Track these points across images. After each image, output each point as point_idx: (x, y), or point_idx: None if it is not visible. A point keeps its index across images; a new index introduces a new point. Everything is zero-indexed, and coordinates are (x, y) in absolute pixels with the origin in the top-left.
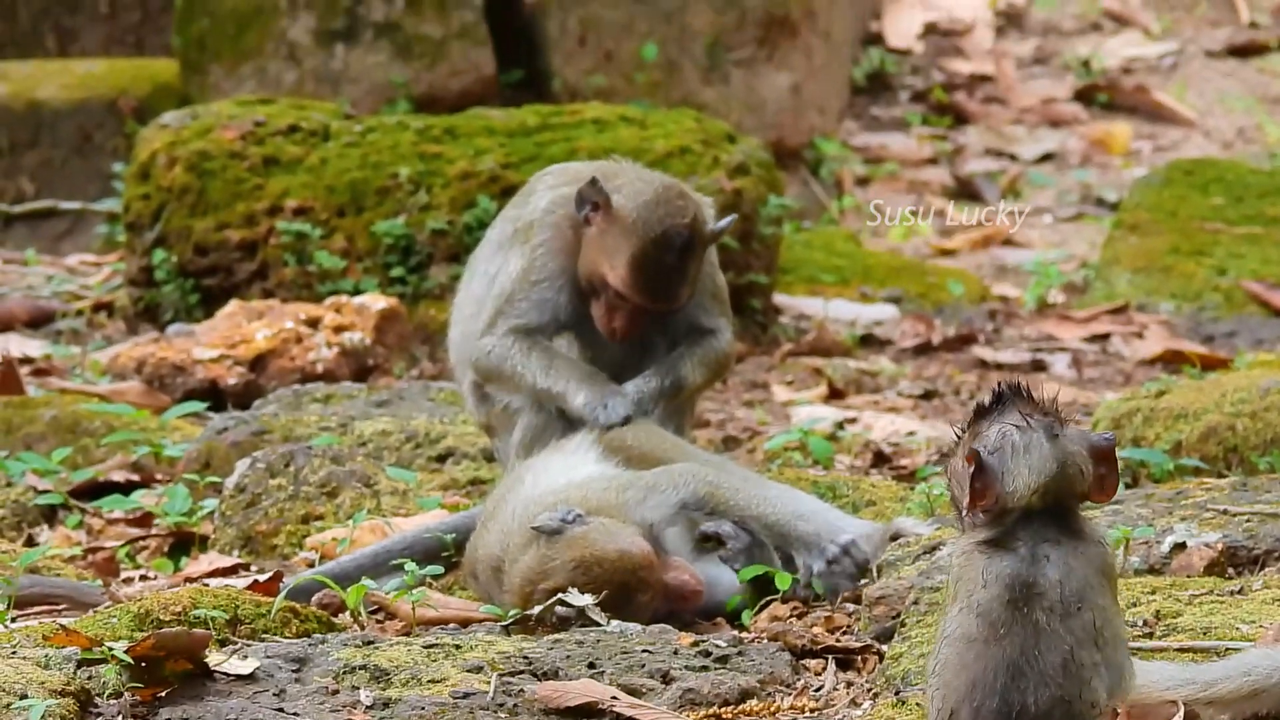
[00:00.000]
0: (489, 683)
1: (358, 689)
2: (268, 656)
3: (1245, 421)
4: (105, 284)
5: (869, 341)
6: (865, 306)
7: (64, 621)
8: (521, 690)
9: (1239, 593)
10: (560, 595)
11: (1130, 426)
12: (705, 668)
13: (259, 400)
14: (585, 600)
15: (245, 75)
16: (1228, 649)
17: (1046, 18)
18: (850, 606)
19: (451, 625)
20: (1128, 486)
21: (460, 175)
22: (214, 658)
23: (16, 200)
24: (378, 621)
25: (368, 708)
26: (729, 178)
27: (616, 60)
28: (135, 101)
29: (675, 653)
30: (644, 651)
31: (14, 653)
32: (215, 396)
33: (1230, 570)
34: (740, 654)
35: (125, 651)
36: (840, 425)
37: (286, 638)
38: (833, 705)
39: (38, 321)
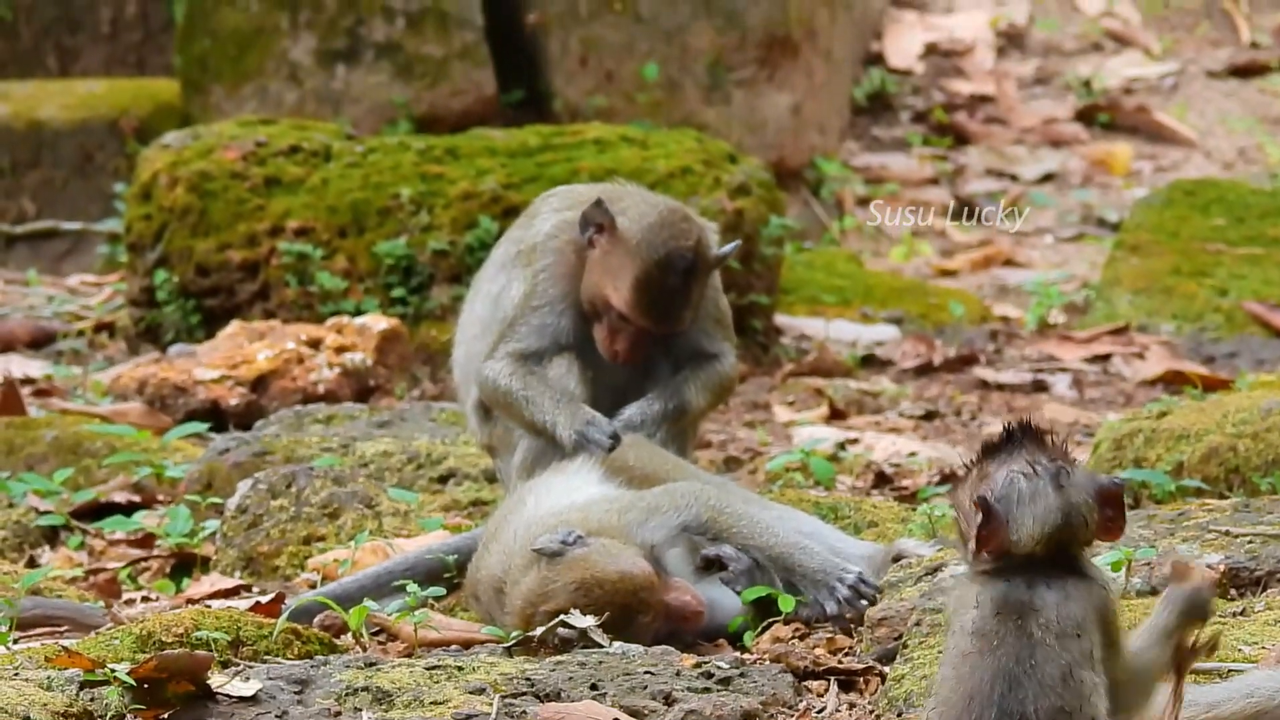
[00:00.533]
0: (491, 704)
1: (360, 710)
2: (270, 678)
3: (1247, 442)
4: (106, 304)
5: (870, 362)
6: (866, 327)
7: (66, 643)
8: (524, 712)
9: (1241, 614)
10: (562, 616)
11: (1132, 447)
12: (708, 689)
13: (260, 421)
14: (588, 621)
15: (246, 96)
16: (1230, 670)
17: (1047, 38)
18: (852, 628)
19: (454, 646)
20: (1130, 508)
21: (462, 196)
22: (216, 679)
23: (18, 220)
24: (380, 643)
25: None
26: (730, 198)
27: (617, 80)
28: (136, 121)
29: (677, 674)
30: (646, 673)
31: (16, 674)
32: (217, 417)
33: (1233, 591)
34: (743, 675)
35: (128, 673)
36: (842, 446)
37: (289, 659)
38: None
39: (39, 342)
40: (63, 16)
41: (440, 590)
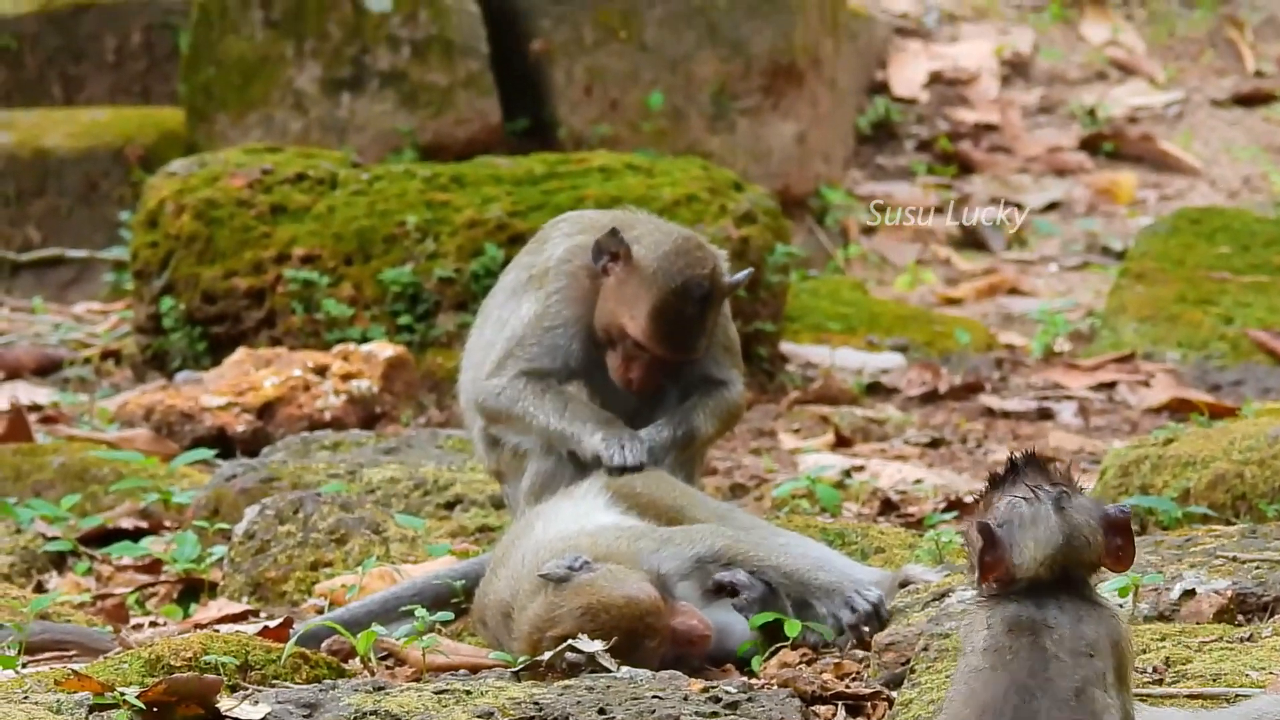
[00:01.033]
0: None
1: None
2: (279, 702)
3: (1253, 469)
4: (113, 332)
5: (876, 390)
6: (872, 355)
7: (75, 667)
8: None
9: (1249, 639)
10: (570, 641)
11: (1138, 474)
12: (715, 714)
13: (267, 447)
14: (595, 646)
15: (251, 124)
16: (1238, 695)
17: (1052, 67)
18: (859, 653)
19: (462, 671)
20: (1136, 534)
21: (467, 223)
22: (225, 703)
23: (23, 248)
24: (388, 668)
25: None
26: (736, 226)
27: (622, 109)
28: (141, 150)
29: (685, 699)
30: (654, 697)
31: (26, 698)
32: (223, 444)
33: (1240, 617)
34: (750, 700)
35: (137, 697)
36: (847, 473)
37: (297, 683)
38: None
39: (45, 369)
40: (67, 45)
41: (448, 615)
